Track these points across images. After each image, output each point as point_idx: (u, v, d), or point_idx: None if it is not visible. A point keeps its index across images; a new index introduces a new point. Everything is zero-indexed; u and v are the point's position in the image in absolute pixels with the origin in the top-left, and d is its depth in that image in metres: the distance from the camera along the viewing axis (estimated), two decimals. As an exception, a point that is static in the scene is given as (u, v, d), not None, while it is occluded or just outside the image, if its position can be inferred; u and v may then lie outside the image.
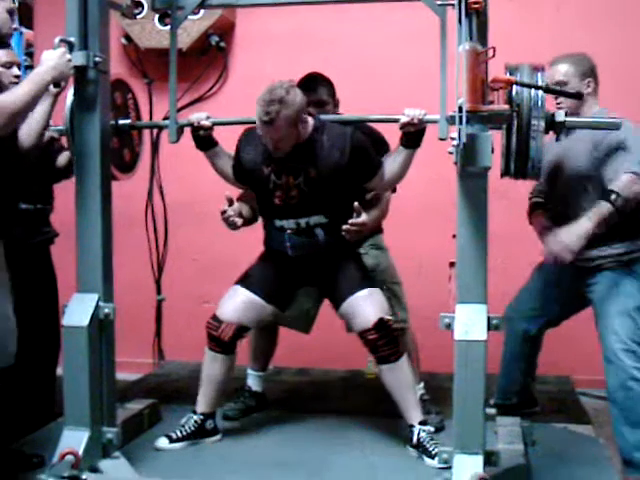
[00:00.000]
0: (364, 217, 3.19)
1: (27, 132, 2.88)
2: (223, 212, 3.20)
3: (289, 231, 3.22)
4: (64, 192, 3.41)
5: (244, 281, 3.35)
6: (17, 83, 3.15)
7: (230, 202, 3.20)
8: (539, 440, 3.26)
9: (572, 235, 3.07)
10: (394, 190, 3.53)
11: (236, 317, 3.28)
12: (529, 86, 2.62)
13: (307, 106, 3.28)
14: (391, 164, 3.17)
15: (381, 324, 3.15)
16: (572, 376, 4.44)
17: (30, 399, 3.41)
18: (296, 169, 3.15)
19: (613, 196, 3.01)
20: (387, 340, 3.17)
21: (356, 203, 3.17)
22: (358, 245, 3.48)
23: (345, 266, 3.31)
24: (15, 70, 3.17)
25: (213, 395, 3.35)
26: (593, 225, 3.04)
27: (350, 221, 3.16)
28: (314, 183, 3.15)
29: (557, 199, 3.31)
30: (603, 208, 3.04)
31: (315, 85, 3.51)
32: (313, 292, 3.60)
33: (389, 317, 3.20)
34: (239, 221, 3.23)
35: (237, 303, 3.29)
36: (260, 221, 3.42)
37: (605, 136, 3.08)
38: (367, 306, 3.19)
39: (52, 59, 2.70)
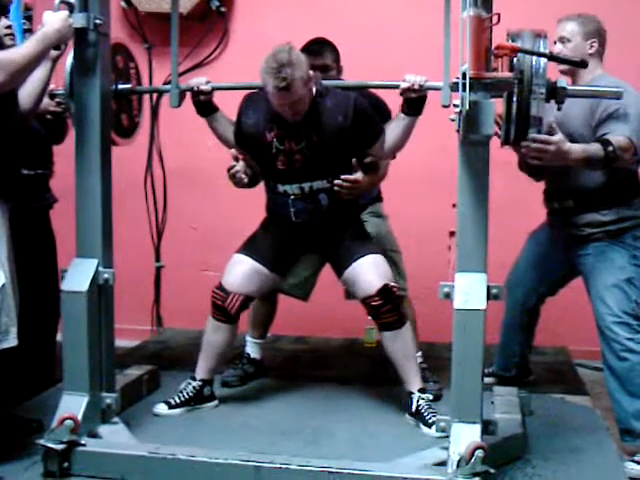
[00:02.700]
0: (359, 175, 3.19)
1: (26, 95, 2.87)
2: (230, 168, 3.19)
3: (292, 196, 3.21)
4: (63, 157, 3.40)
5: (248, 249, 3.33)
6: (11, 35, 3.13)
7: (236, 159, 3.19)
8: (536, 410, 3.28)
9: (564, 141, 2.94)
10: (394, 156, 3.52)
11: (242, 288, 3.27)
12: (534, 54, 2.59)
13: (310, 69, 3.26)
14: (392, 132, 3.15)
15: (385, 290, 3.14)
16: (569, 347, 4.45)
17: (30, 364, 3.42)
18: (299, 134, 3.13)
19: (609, 147, 2.95)
20: (391, 307, 3.16)
21: (354, 160, 3.16)
22: (360, 211, 3.47)
23: (348, 232, 3.30)
24: (4, 21, 3.14)
25: (213, 363, 3.36)
26: (580, 153, 2.95)
27: (343, 177, 3.15)
28: (317, 148, 3.13)
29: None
30: (594, 147, 2.97)
31: (320, 49, 3.50)
32: (313, 259, 3.60)
33: (393, 283, 3.20)
34: (245, 178, 3.22)
35: (243, 272, 3.28)
36: (261, 188, 3.39)
37: (603, 100, 3.05)
38: (371, 272, 3.17)
39: (57, 21, 2.69)
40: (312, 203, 3.21)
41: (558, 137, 2.87)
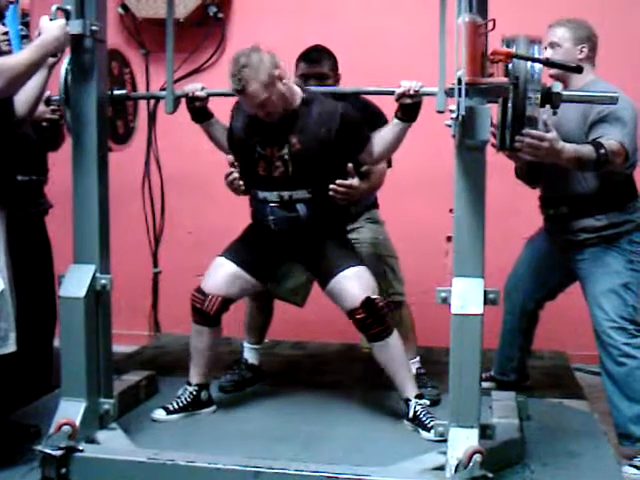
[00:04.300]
0: (354, 181, 3.19)
1: (22, 102, 2.87)
2: (228, 175, 3.19)
3: (272, 204, 3.19)
4: (60, 163, 3.39)
5: (229, 253, 3.33)
6: (7, 41, 3.14)
7: (232, 165, 3.19)
8: (534, 415, 3.28)
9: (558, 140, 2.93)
10: (390, 164, 3.52)
11: (221, 290, 3.26)
12: (529, 59, 2.60)
13: (306, 78, 3.27)
14: (383, 137, 3.14)
15: (368, 303, 3.11)
16: (567, 351, 4.45)
17: (27, 370, 3.41)
18: (280, 140, 3.12)
19: (601, 150, 2.95)
20: (375, 318, 3.13)
21: (350, 165, 3.16)
22: (343, 223, 3.43)
23: (330, 244, 3.26)
24: (1, 27, 3.15)
25: (203, 366, 3.35)
26: (572, 153, 2.94)
27: (338, 181, 3.15)
28: (298, 156, 3.12)
29: (548, 166, 3.30)
30: (587, 148, 2.97)
31: (318, 58, 3.49)
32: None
33: (376, 295, 3.15)
34: (243, 184, 3.23)
35: (221, 276, 3.28)
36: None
37: (595, 105, 3.06)
38: (353, 285, 3.15)
39: (55, 29, 2.69)
40: (291, 213, 3.19)
41: (552, 135, 2.87)
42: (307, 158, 3.12)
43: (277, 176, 3.16)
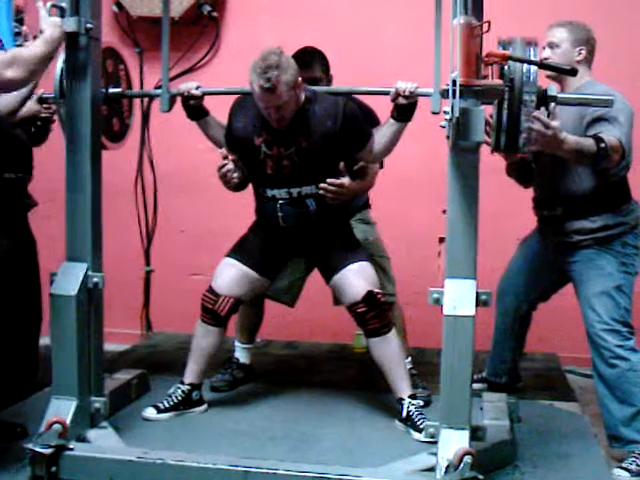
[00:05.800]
0: (345, 180, 3.20)
1: (9, 99, 2.86)
2: (221, 167, 3.19)
3: (281, 201, 3.21)
4: (52, 161, 3.38)
5: (237, 252, 3.34)
6: None
7: (225, 157, 3.19)
8: (525, 417, 3.29)
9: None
10: (381, 165, 3.52)
11: (232, 291, 3.28)
12: (524, 61, 2.60)
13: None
14: (380, 137, 3.15)
15: (370, 297, 3.15)
16: (558, 353, 4.46)
17: (12, 369, 3.39)
18: (287, 140, 3.13)
19: (602, 144, 2.94)
20: (376, 313, 3.17)
21: (342, 164, 3.17)
22: (349, 217, 3.47)
23: (336, 238, 3.30)
24: None
25: (202, 367, 3.36)
26: (573, 144, 2.93)
27: (329, 180, 3.16)
28: (306, 153, 3.13)
29: (543, 167, 3.31)
30: (587, 142, 2.97)
31: (309, 61, 3.47)
32: (299, 264, 3.60)
33: (378, 290, 3.20)
34: (235, 178, 3.23)
35: (232, 276, 3.29)
36: (251, 192, 3.39)
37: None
38: (357, 279, 3.18)
39: (60, 26, 2.68)
40: (300, 208, 3.21)
41: (557, 123, 2.86)
42: (315, 154, 3.14)
43: (285, 174, 3.17)
